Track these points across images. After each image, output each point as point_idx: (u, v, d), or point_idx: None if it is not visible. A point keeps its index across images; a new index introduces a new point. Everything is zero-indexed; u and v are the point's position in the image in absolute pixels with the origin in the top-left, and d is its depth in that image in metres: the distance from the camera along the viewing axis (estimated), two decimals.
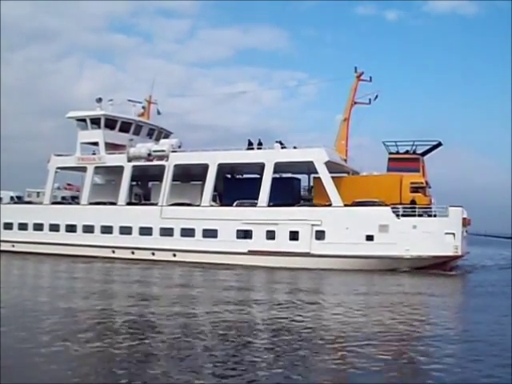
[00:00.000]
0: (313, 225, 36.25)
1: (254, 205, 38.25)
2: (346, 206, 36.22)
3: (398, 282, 29.38)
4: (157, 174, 42.88)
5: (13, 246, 45.58)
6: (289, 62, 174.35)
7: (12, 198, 51.09)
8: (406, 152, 40.01)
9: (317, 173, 37.90)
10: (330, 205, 36.65)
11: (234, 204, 39.37)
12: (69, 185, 53.27)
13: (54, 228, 44.57)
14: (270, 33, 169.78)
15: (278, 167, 40.07)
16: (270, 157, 38.61)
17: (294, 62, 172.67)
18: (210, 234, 38.72)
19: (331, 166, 37.96)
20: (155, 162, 42.61)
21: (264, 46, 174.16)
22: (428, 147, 40.20)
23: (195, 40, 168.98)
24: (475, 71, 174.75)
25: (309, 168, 39.27)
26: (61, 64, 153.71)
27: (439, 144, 40.24)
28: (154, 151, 42.55)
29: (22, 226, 46.14)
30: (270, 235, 37.24)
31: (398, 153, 39.98)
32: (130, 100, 48.06)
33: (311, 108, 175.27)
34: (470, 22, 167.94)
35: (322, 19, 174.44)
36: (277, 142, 39.98)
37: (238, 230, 38.01)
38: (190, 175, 44.48)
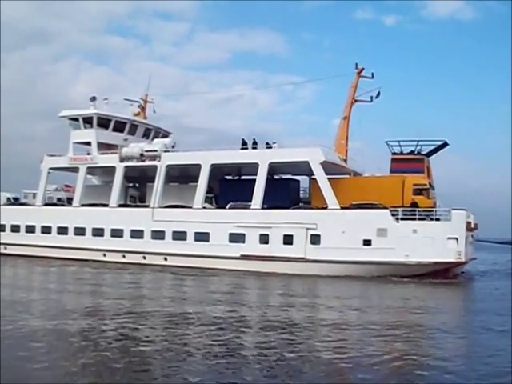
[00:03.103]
0: (308, 228, 34.37)
1: (248, 207, 36.56)
2: (342, 208, 34.30)
3: (394, 293, 27.28)
4: (154, 176, 41.44)
5: (5, 248, 44.57)
6: (286, 66, 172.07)
7: (9, 199, 50.21)
8: (411, 152, 38.00)
9: None
10: (326, 207, 34.80)
11: (228, 206, 37.74)
12: (67, 186, 52.18)
13: (46, 230, 43.41)
14: (268, 36, 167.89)
15: (276, 168, 38.51)
16: (263, 157, 36.86)
17: (290, 66, 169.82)
18: (202, 237, 37.10)
19: (329, 167, 36.12)
20: (147, 163, 41.15)
21: (261, 50, 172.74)
22: (433, 147, 38.17)
23: (193, 43, 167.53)
24: (473, 76, 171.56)
25: (309, 169, 37.43)
26: (57, 66, 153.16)
27: (445, 144, 38.16)
28: (146, 151, 41.09)
29: (15, 228, 45.09)
30: (264, 239, 35.47)
31: (401, 153, 37.98)
32: (126, 99, 46.78)
33: (307, 112, 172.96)
34: (468, 27, 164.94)
35: (320, 23, 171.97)
36: (274, 142, 38.37)
37: (230, 234, 36.33)
38: (187, 176, 42.92)
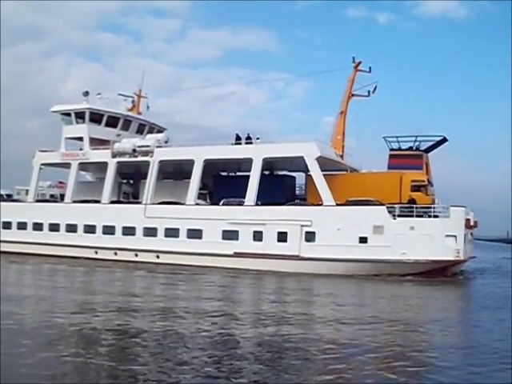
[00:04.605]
0: (302, 225, 33.50)
1: (242, 204, 35.71)
2: (338, 205, 33.42)
3: (391, 293, 26.28)
4: (147, 172, 40.59)
5: None
6: (278, 64, 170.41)
7: (1, 195, 49.53)
8: (409, 148, 37.15)
9: None
10: (321, 204, 33.93)
11: (221, 203, 36.91)
12: (60, 182, 51.41)
13: (38, 227, 42.62)
14: (260, 34, 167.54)
15: (271, 164, 37.71)
16: (257, 152, 35.99)
17: (283, 64, 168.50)
18: (195, 234, 36.28)
19: (325, 163, 35.26)
20: (140, 158, 40.34)
21: (253, 47, 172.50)
22: (432, 143, 37.30)
23: (185, 40, 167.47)
24: (469, 73, 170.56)
25: (305, 165, 36.55)
26: (49, 62, 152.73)
27: (444, 140, 37.28)
28: (139, 146, 40.26)
29: (6, 225, 44.30)
30: (258, 236, 34.61)
31: (399, 149, 37.13)
32: (120, 94, 45.94)
33: (298, 109, 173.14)
34: (461, 26, 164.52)
35: (312, 21, 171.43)
36: (257, 138, 37.63)
37: (223, 231, 35.49)
38: (181, 173, 42.03)
